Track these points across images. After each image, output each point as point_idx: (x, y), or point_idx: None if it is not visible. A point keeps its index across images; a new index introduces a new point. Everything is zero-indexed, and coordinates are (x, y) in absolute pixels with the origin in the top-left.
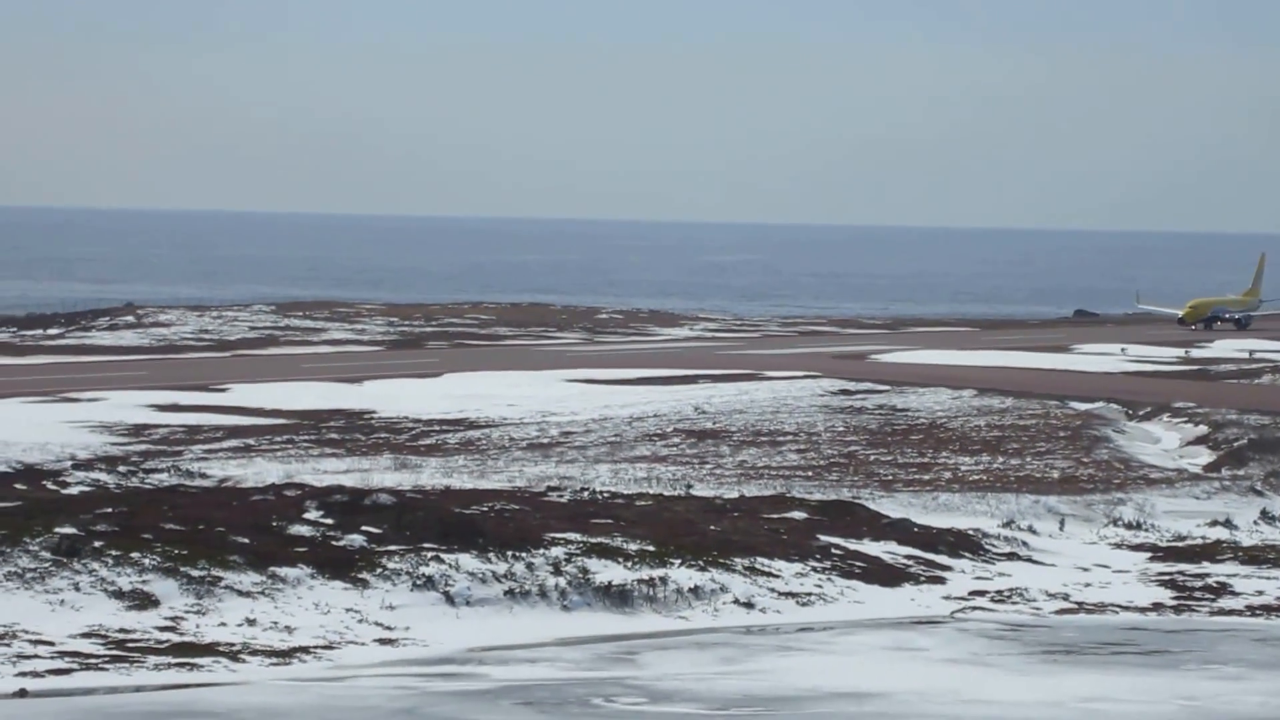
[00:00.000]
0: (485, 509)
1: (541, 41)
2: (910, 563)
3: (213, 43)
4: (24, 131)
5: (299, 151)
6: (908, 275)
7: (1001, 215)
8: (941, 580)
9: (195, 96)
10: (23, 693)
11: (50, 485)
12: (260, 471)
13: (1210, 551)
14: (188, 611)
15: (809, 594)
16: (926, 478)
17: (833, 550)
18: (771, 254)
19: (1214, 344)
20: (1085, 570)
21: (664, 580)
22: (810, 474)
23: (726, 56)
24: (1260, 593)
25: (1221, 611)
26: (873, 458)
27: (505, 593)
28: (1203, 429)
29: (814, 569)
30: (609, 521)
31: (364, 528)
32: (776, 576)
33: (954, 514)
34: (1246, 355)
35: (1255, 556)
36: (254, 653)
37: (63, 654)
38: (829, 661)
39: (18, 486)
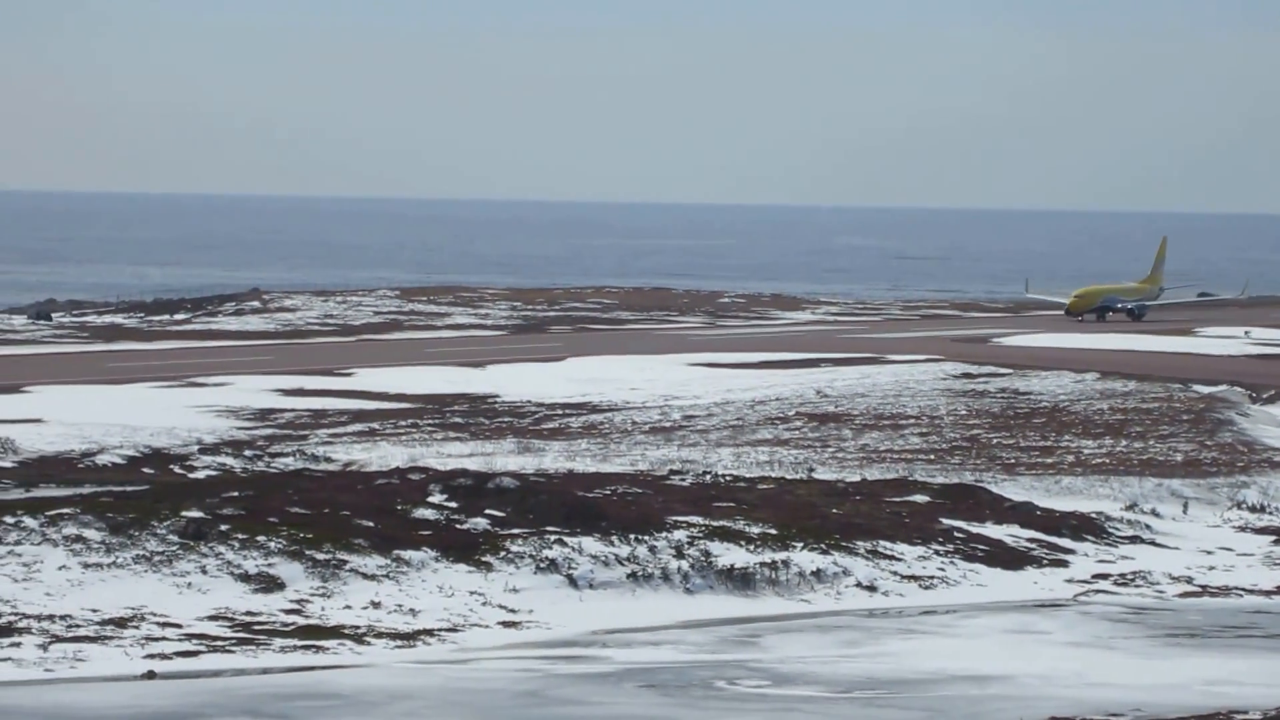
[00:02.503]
0: (608, 492)
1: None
2: (1033, 546)
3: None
4: (154, 120)
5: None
6: (1003, 255)
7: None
8: (1064, 563)
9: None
10: (151, 674)
11: (177, 469)
12: (385, 455)
13: None
14: (313, 594)
15: (931, 577)
16: (1049, 461)
17: (955, 533)
18: (884, 236)
19: None
20: (1209, 553)
21: (786, 563)
22: (932, 457)
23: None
24: None
25: None
26: (995, 441)
27: (628, 575)
28: None
29: (936, 552)
30: (731, 505)
31: (488, 511)
32: (899, 559)
33: (1076, 497)
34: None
35: None
36: (379, 635)
37: (190, 636)
38: (952, 645)
39: (146, 470)
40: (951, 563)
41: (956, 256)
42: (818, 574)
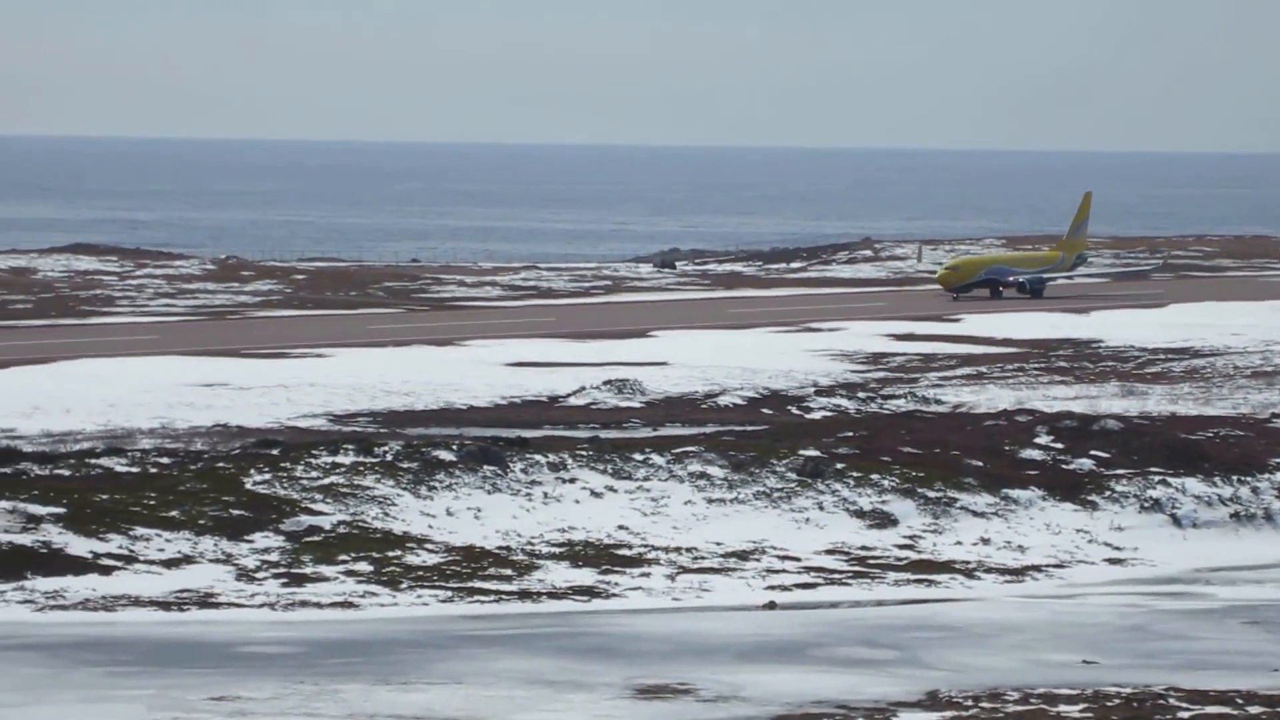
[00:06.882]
0: (1210, 435)
1: None
2: None
3: None
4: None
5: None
6: None
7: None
8: None
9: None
10: (772, 605)
11: (794, 410)
12: (992, 398)
13: None
14: (925, 530)
15: None
16: None
17: None
18: None
19: None
20: None
21: None
22: None
23: None
24: None
25: None
26: None
27: (1230, 515)
28: None
29: None
30: None
31: (1092, 452)
32: None
33: None
34: None
35: None
36: (988, 570)
37: (808, 569)
38: None
39: (764, 411)
40: None
41: None
42: None
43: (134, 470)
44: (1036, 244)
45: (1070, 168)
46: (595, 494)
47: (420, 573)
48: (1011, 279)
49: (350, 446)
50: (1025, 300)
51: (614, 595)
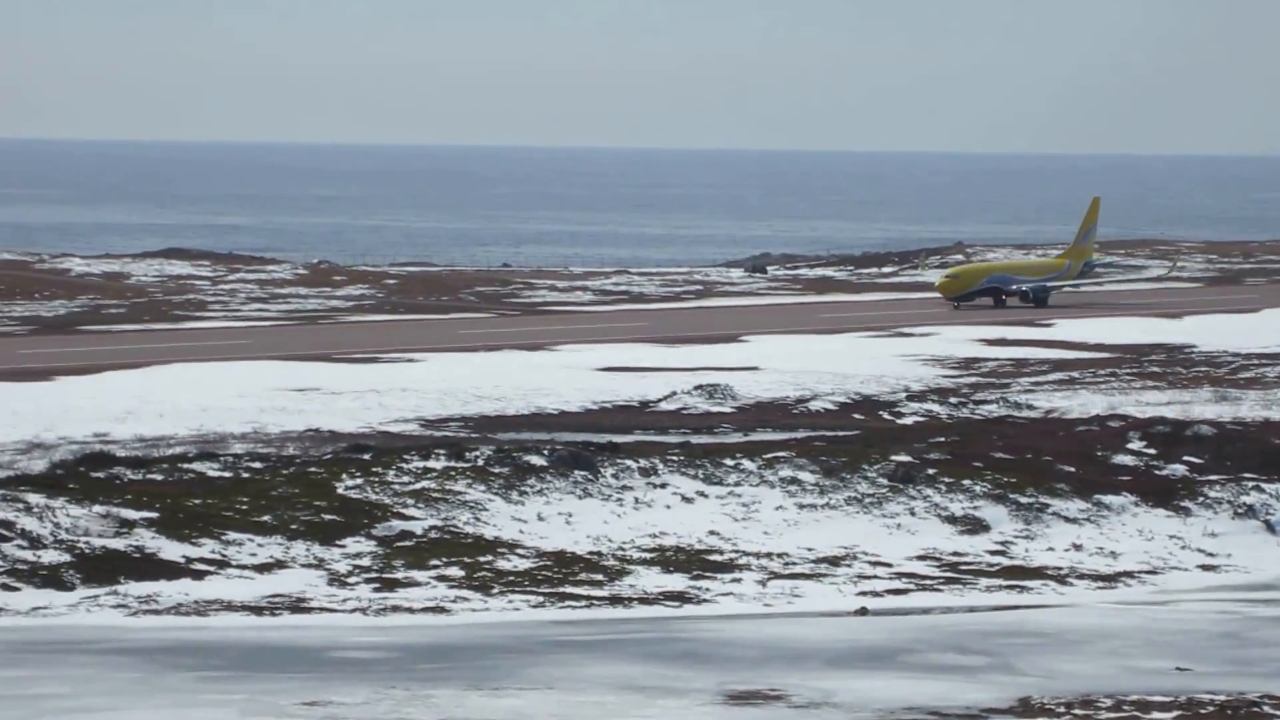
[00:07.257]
0: None
1: None
2: None
3: None
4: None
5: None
6: None
7: None
8: None
9: None
10: (863, 611)
11: (885, 415)
12: (1084, 403)
13: None
14: (1016, 536)
15: None
16: None
17: None
18: None
19: None
20: None
21: None
22: None
23: None
24: None
25: None
26: None
27: None
28: None
29: None
30: None
31: (1185, 458)
32: None
33: None
34: None
35: None
36: (1080, 576)
37: (899, 575)
38: None
39: (855, 416)
40: None
41: None
42: None
43: (226, 475)
44: (1130, 249)
45: (1167, 170)
46: (686, 499)
47: (511, 578)
48: (1015, 287)
49: (442, 451)
50: (1104, 308)
51: (705, 601)
